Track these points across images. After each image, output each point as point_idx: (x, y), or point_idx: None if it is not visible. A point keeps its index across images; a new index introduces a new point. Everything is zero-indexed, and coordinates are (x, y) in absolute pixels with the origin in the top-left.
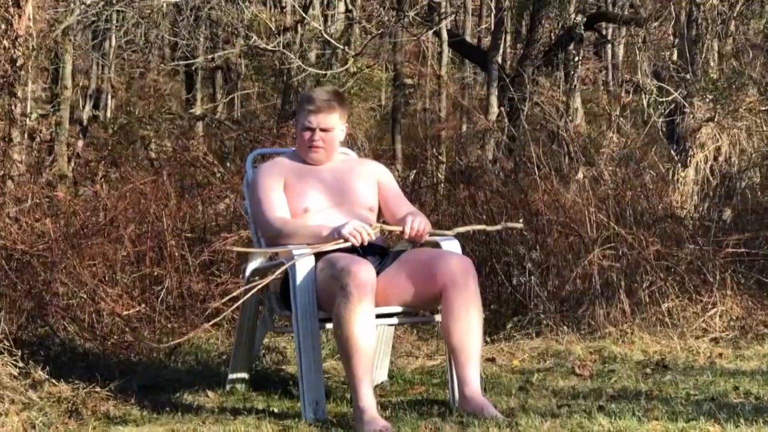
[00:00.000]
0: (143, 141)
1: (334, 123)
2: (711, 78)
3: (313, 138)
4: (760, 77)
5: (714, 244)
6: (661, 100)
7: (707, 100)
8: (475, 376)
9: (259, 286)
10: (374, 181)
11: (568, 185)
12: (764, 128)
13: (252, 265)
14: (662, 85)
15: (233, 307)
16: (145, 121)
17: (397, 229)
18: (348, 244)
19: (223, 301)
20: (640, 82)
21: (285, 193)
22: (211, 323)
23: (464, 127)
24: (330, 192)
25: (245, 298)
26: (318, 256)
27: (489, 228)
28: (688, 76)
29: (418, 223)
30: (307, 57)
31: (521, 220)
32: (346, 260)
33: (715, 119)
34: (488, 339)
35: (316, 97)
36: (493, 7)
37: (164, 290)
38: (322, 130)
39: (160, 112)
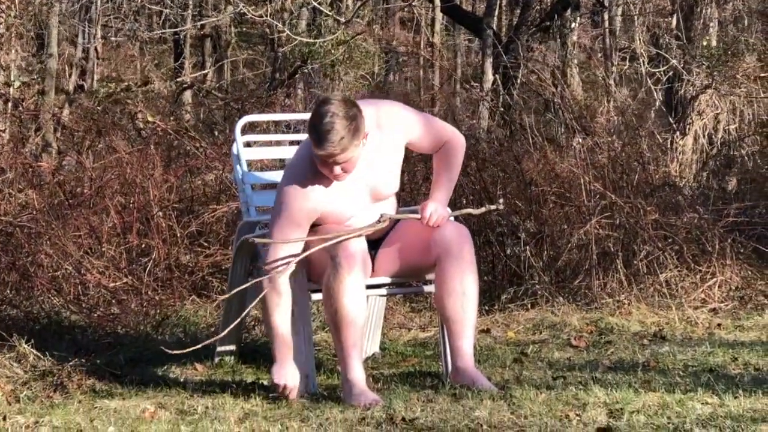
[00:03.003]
0: (129, 112)
1: (351, 154)
2: (705, 45)
3: (333, 172)
4: (760, 44)
5: (713, 213)
6: (654, 70)
7: (704, 67)
8: (468, 348)
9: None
10: (400, 151)
11: (563, 154)
12: (762, 95)
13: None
14: (659, 52)
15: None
16: (132, 90)
17: (415, 217)
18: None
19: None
20: (637, 49)
21: (322, 219)
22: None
23: (457, 97)
24: (360, 197)
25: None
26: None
27: (475, 212)
28: (682, 43)
29: (435, 219)
30: (296, 25)
31: (501, 200)
32: (335, 232)
33: (713, 86)
34: (483, 310)
35: (325, 151)
36: None
37: (151, 262)
38: (341, 163)
39: (139, 86)
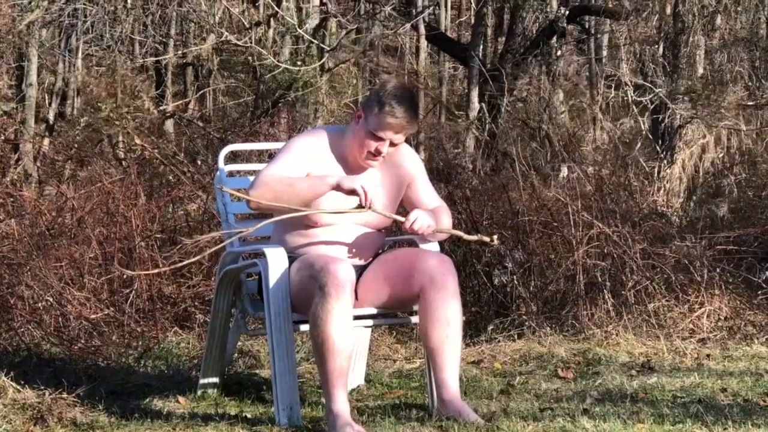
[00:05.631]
0: (110, 140)
1: (404, 138)
2: (689, 82)
3: (380, 150)
4: (746, 72)
5: (701, 242)
6: (639, 99)
7: (689, 99)
8: (453, 380)
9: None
10: (400, 191)
11: (550, 183)
12: (746, 126)
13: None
14: (645, 83)
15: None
16: (112, 117)
17: (399, 218)
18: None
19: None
20: (622, 78)
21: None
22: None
23: (443, 124)
24: (346, 201)
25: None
26: (293, 256)
27: (466, 236)
28: (663, 76)
29: (419, 225)
30: (279, 52)
31: (496, 237)
32: (324, 260)
33: (699, 117)
34: (469, 341)
35: (401, 115)
36: (473, 0)
37: (133, 293)
38: (393, 144)
39: (127, 110)
